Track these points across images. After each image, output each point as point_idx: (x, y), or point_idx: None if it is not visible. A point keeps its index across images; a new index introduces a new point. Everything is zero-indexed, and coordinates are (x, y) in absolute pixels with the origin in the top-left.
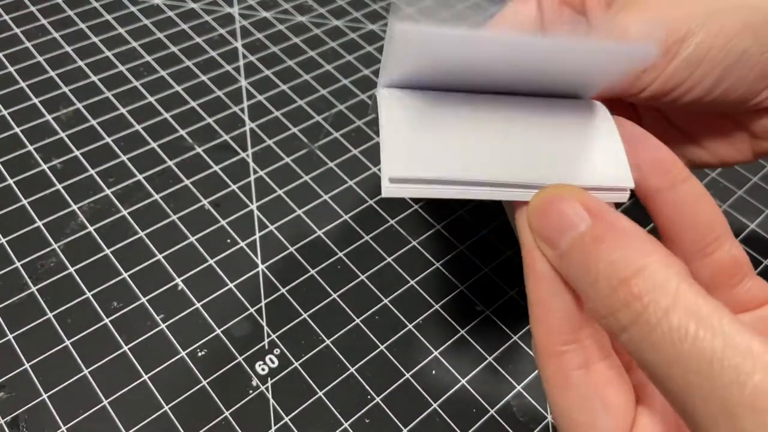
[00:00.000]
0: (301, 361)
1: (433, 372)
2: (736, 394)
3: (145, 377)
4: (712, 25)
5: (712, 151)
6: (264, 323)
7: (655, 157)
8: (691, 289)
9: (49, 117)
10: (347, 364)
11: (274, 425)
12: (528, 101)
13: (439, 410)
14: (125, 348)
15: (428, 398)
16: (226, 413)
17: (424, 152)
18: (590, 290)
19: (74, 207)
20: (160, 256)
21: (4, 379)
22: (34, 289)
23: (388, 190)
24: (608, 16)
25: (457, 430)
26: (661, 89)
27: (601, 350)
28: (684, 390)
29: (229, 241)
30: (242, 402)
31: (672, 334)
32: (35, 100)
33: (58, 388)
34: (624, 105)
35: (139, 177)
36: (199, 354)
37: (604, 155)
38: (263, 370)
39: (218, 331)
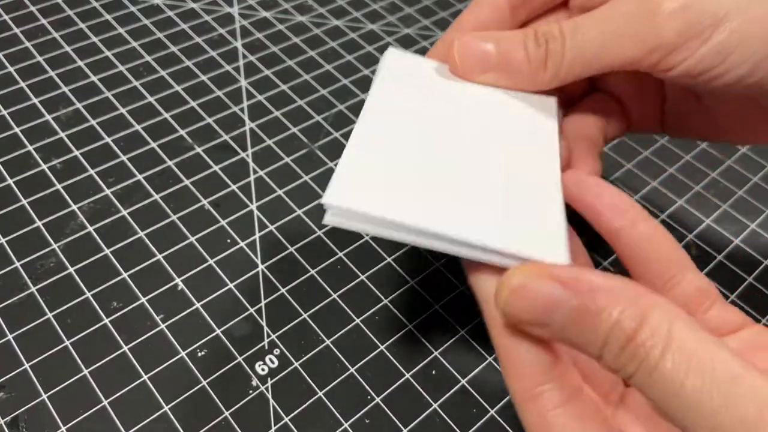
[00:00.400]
0: (301, 361)
1: (433, 372)
2: (725, 416)
3: (145, 377)
4: (750, 11)
5: (737, 132)
6: (264, 323)
7: (614, 201)
8: (681, 326)
9: (48, 117)
10: (347, 364)
11: (274, 425)
12: (493, 147)
13: (440, 410)
14: (125, 348)
15: (428, 398)
16: (226, 413)
17: (376, 188)
18: (600, 351)
19: (74, 207)
20: (159, 256)
21: (3, 379)
22: (33, 289)
23: (330, 220)
24: None
25: (458, 430)
26: (689, 71)
27: (575, 386)
28: (685, 419)
29: (229, 241)
30: (242, 402)
31: (667, 374)
32: (35, 100)
33: (58, 388)
34: (651, 78)
35: (139, 177)
36: (199, 354)
37: (542, 225)
38: (263, 370)
39: (218, 332)
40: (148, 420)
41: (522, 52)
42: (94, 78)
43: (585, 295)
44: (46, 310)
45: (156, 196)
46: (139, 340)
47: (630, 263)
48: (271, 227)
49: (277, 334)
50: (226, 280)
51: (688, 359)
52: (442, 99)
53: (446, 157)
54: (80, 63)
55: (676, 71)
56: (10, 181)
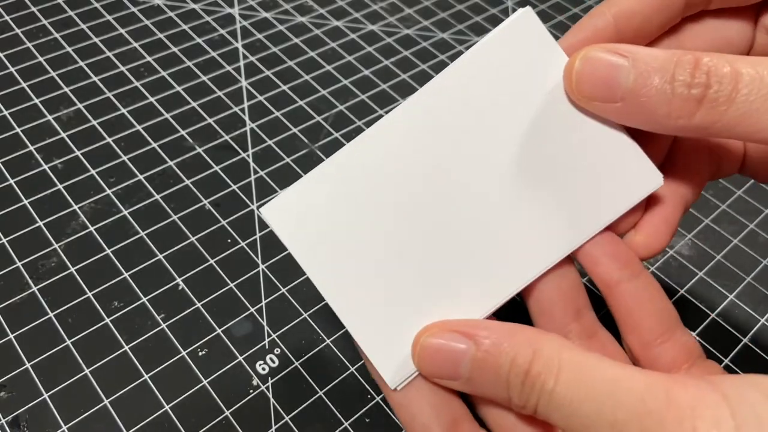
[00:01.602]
0: (301, 360)
1: None
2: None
3: (146, 377)
4: None
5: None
6: (264, 323)
7: (614, 250)
8: (570, 354)
9: (49, 117)
10: (347, 363)
11: (275, 424)
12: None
13: None
14: (126, 347)
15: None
16: (227, 412)
17: (310, 226)
18: (507, 392)
19: (75, 207)
20: (160, 256)
21: (5, 378)
22: (35, 288)
23: (265, 217)
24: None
25: None
26: None
27: None
28: None
29: (229, 240)
30: (243, 401)
31: (563, 397)
32: (36, 101)
33: (59, 387)
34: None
35: (140, 177)
36: (200, 353)
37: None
38: (264, 369)
39: (219, 331)
40: (149, 419)
41: (666, 85)
42: (95, 78)
43: (484, 343)
44: (48, 310)
45: (157, 196)
46: (140, 339)
47: (620, 317)
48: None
49: (278, 333)
50: (227, 280)
51: (579, 379)
52: (489, 126)
53: (410, 228)
54: (81, 63)
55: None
56: (11, 181)
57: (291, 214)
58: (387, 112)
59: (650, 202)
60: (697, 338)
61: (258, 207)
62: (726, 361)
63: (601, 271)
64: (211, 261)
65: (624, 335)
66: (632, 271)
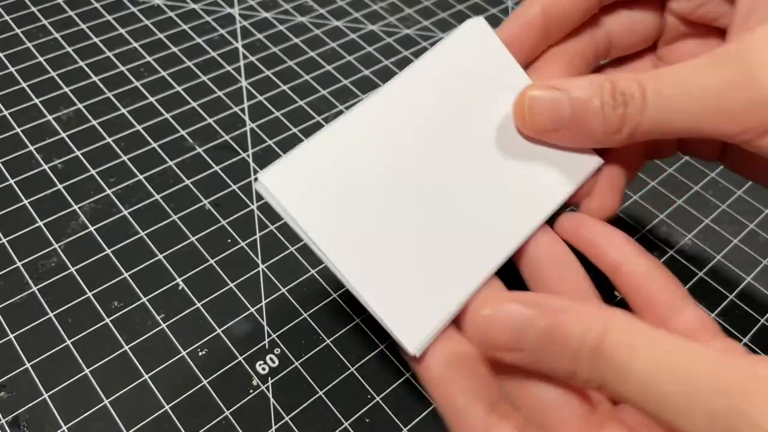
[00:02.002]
0: (301, 360)
1: None
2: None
3: (146, 377)
4: None
5: None
6: (264, 323)
7: (612, 237)
8: (642, 329)
9: (50, 117)
10: (347, 363)
11: (275, 424)
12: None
13: None
14: (126, 347)
15: (428, 397)
16: (227, 412)
17: (310, 191)
18: (573, 365)
19: (75, 207)
20: (160, 256)
21: (5, 378)
22: (35, 288)
23: (259, 188)
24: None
25: None
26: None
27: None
28: (666, 412)
29: (229, 241)
30: (243, 401)
31: (638, 373)
32: (36, 101)
33: (59, 387)
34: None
35: (140, 177)
36: (200, 353)
37: (425, 308)
38: (264, 369)
39: (219, 331)
40: (149, 419)
41: (598, 115)
42: (95, 78)
43: (551, 315)
44: (48, 310)
45: (157, 196)
46: (140, 339)
47: (631, 296)
48: (272, 227)
49: (278, 333)
50: (227, 280)
51: (656, 356)
52: (459, 115)
53: (404, 192)
54: (81, 63)
55: (736, 141)
56: (11, 181)
57: (291, 182)
58: None
59: (599, 176)
60: None
61: (257, 207)
62: None
63: (603, 254)
64: (211, 261)
65: (637, 314)
66: (631, 251)
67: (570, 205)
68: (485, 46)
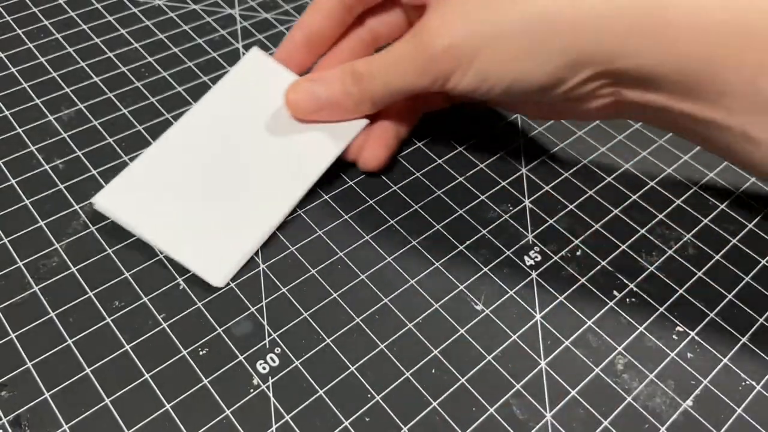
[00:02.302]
0: (301, 359)
1: (433, 371)
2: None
3: (147, 376)
4: (490, 51)
5: (513, 109)
6: (265, 322)
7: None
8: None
9: (50, 117)
10: (347, 363)
11: (275, 423)
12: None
13: (439, 409)
14: (127, 347)
15: (428, 397)
16: (227, 411)
17: (135, 199)
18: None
19: (76, 207)
20: (161, 256)
21: (6, 378)
22: (36, 288)
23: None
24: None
25: (457, 428)
26: (464, 92)
27: None
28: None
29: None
30: (243, 400)
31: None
32: (37, 101)
33: (60, 386)
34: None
35: None
36: (201, 353)
37: (225, 250)
38: (264, 368)
39: (219, 330)
40: (149, 418)
41: (344, 94)
42: (96, 79)
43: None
44: (49, 310)
45: None
46: (141, 339)
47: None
48: None
49: (278, 333)
50: (228, 280)
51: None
52: (249, 118)
53: (207, 182)
54: (82, 64)
55: (456, 92)
56: (12, 181)
57: (120, 196)
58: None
59: (370, 135)
60: (696, 338)
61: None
62: (725, 360)
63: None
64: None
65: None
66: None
67: (351, 162)
68: (264, 66)
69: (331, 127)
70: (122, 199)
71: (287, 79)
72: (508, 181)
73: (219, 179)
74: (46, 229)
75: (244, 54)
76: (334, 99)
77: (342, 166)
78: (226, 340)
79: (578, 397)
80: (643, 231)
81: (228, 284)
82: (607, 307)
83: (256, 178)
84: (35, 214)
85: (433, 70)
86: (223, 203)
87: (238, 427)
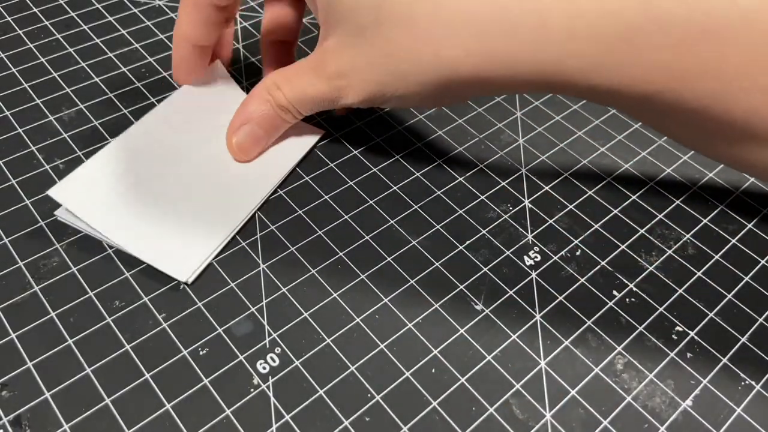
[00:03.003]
0: (301, 359)
1: (433, 371)
2: None
3: (147, 376)
4: (362, 75)
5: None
6: (265, 322)
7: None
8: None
9: (51, 117)
10: (347, 362)
11: (275, 423)
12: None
13: (439, 408)
14: (127, 347)
15: (428, 396)
16: (228, 411)
17: (89, 197)
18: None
19: None
20: None
21: (6, 377)
22: (36, 288)
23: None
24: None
25: (457, 428)
26: (353, 104)
27: None
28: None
29: (230, 240)
30: (243, 400)
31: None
32: (38, 101)
33: (61, 386)
34: None
35: None
36: (201, 353)
37: (189, 250)
38: (264, 368)
39: (219, 330)
40: (150, 418)
41: (274, 113)
42: (96, 79)
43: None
44: (49, 309)
45: None
46: (141, 338)
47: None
48: (272, 227)
49: (278, 332)
50: (228, 280)
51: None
52: (204, 123)
53: (169, 182)
54: (83, 64)
55: (346, 103)
56: (12, 182)
57: (77, 190)
58: (387, 113)
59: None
60: (696, 338)
61: (258, 207)
62: (724, 359)
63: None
64: (212, 261)
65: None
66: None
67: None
68: (217, 78)
69: (289, 140)
70: (79, 195)
71: (236, 92)
72: (508, 181)
73: (180, 178)
74: (46, 229)
75: (243, 53)
76: (271, 124)
77: (342, 166)
78: (226, 340)
79: (578, 397)
80: (642, 231)
81: (228, 284)
82: (606, 307)
83: (219, 179)
84: (35, 214)
85: (330, 85)
86: (185, 201)
87: (238, 427)
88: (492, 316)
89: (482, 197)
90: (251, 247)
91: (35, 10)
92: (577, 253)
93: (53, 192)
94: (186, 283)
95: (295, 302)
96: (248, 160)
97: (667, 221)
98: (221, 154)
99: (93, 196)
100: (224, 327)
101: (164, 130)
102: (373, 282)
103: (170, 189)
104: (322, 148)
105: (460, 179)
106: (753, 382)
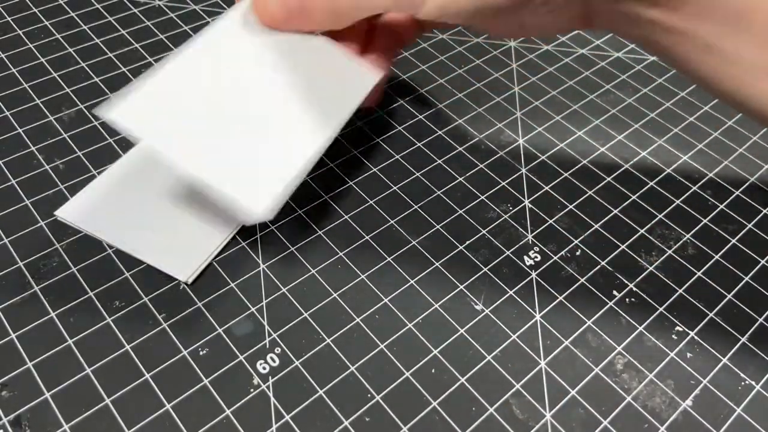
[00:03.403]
0: (301, 359)
1: (433, 371)
2: None
3: (147, 376)
4: None
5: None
6: (265, 322)
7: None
8: None
9: (51, 118)
10: (347, 363)
11: (275, 423)
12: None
13: (439, 408)
14: (127, 347)
15: (428, 397)
16: (228, 411)
17: (153, 117)
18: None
19: None
20: None
21: (6, 378)
22: (36, 288)
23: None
24: None
25: (457, 428)
26: (427, 18)
27: None
28: None
29: (230, 241)
30: (243, 400)
31: None
32: (38, 101)
33: (61, 387)
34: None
35: None
36: (201, 353)
37: (265, 179)
38: (264, 368)
39: (219, 330)
40: (150, 418)
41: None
42: (96, 79)
43: None
44: (49, 309)
45: None
46: (141, 338)
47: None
48: (272, 227)
49: (278, 332)
50: (228, 280)
51: None
52: (269, 50)
53: (230, 108)
54: (83, 64)
55: (420, 16)
56: (13, 182)
57: (138, 112)
58: (387, 113)
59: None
60: (696, 337)
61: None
62: (724, 360)
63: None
64: (212, 261)
65: None
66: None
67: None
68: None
69: (346, 75)
70: (84, 209)
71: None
72: (508, 181)
73: (182, 189)
74: (46, 229)
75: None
76: (304, 5)
77: (341, 166)
78: (226, 340)
79: (578, 397)
80: (642, 231)
81: (228, 284)
82: (606, 307)
83: (280, 118)
84: (35, 214)
85: None
86: (186, 202)
87: (238, 427)
88: (492, 316)
89: (482, 197)
90: (251, 247)
91: (35, 10)
92: (577, 253)
93: (59, 213)
94: (186, 283)
95: (295, 302)
96: (274, 27)
97: (667, 221)
98: (286, 86)
99: (97, 209)
100: (224, 327)
101: (220, 59)
102: (373, 282)
103: (170, 192)
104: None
105: (460, 179)
106: (753, 382)
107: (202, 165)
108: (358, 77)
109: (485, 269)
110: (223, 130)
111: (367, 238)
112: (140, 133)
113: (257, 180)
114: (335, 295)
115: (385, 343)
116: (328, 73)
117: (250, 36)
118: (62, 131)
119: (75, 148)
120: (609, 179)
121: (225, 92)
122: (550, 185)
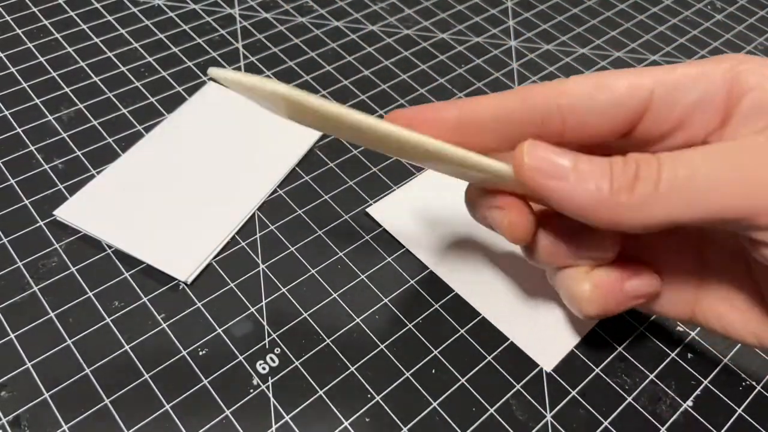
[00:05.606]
0: (301, 360)
1: (433, 371)
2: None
3: (147, 376)
4: None
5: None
6: (265, 322)
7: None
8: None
9: (50, 117)
10: (347, 363)
11: (275, 424)
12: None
13: (439, 409)
14: (126, 347)
15: (428, 397)
16: (227, 412)
17: (97, 212)
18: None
19: None
20: None
21: (5, 378)
22: (35, 288)
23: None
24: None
25: (457, 428)
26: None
27: None
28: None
29: (229, 241)
30: (243, 401)
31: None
32: (37, 101)
33: (60, 387)
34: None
35: None
36: (200, 353)
37: (191, 250)
38: (264, 369)
39: (219, 331)
40: (149, 418)
41: (606, 173)
42: (95, 78)
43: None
44: (48, 310)
45: None
46: (141, 339)
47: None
48: (272, 227)
49: (278, 333)
50: (227, 280)
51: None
52: (210, 139)
53: (170, 186)
54: (82, 64)
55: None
56: (12, 181)
57: (77, 209)
58: (387, 113)
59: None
60: (696, 338)
61: (257, 207)
62: (725, 360)
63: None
64: (212, 261)
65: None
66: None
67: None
68: (225, 95)
69: (284, 142)
70: (83, 210)
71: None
72: None
73: (180, 182)
74: (45, 229)
75: (242, 53)
76: (584, 176)
77: (342, 166)
78: (226, 340)
79: (578, 397)
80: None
81: (227, 284)
82: None
83: (220, 189)
84: (35, 214)
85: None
86: (185, 202)
87: (238, 427)
88: None
89: None
90: (251, 247)
91: (34, 9)
92: None
93: (58, 213)
94: (186, 283)
95: (294, 302)
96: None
97: None
98: (221, 158)
99: (96, 209)
100: (224, 327)
101: (166, 146)
102: (372, 282)
103: (171, 191)
104: (322, 148)
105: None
106: (754, 383)
107: (133, 245)
108: (297, 136)
109: None
110: (159, 211)
111: (367, 238)
112: (80, 226)
113: (183, 253)
114: (335, 295)
115: (385, 343)
116: (269, 137)
117: (203, 117)
118: (61, 131)
119: (74, 147)
120: None
121: (163, 175)
122: None
